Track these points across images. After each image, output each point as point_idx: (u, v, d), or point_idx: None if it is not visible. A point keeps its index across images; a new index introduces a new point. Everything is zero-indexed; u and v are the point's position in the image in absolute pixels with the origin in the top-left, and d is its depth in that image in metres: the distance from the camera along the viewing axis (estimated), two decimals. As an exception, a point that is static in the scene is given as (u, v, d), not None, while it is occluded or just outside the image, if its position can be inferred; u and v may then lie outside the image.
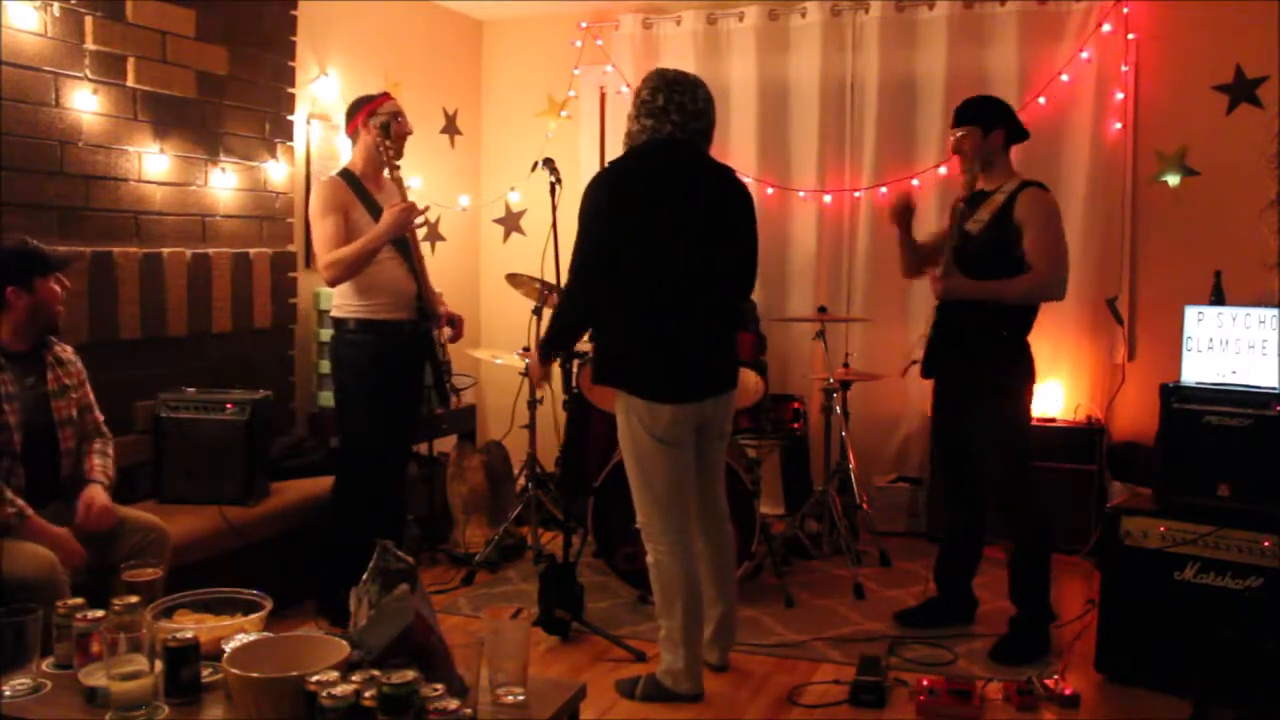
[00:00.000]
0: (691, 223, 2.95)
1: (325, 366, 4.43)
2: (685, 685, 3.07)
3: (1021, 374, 3.45)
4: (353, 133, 3.64)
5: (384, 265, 3.53)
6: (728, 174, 3.11)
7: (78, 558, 2.75)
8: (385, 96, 3.63)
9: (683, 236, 2.94)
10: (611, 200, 2.93)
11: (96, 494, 2.95)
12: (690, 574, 3.06)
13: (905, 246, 3.69)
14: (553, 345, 3.14)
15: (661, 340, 2.95)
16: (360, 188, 3.57)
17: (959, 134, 3.47)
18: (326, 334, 3.93)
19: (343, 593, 2.07)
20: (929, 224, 5.01)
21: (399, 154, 3.57)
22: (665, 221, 2.93)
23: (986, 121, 3.44)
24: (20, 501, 2.74)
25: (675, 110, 2.95)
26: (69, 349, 3.10)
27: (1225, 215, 4.57)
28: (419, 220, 3.58)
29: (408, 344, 3.63)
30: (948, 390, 3.60)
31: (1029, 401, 3.50)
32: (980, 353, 3.42)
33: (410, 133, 3.66)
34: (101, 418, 3.15)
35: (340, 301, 3.59)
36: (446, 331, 3.79)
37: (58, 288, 2.96)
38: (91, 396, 3.13)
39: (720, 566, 3.22)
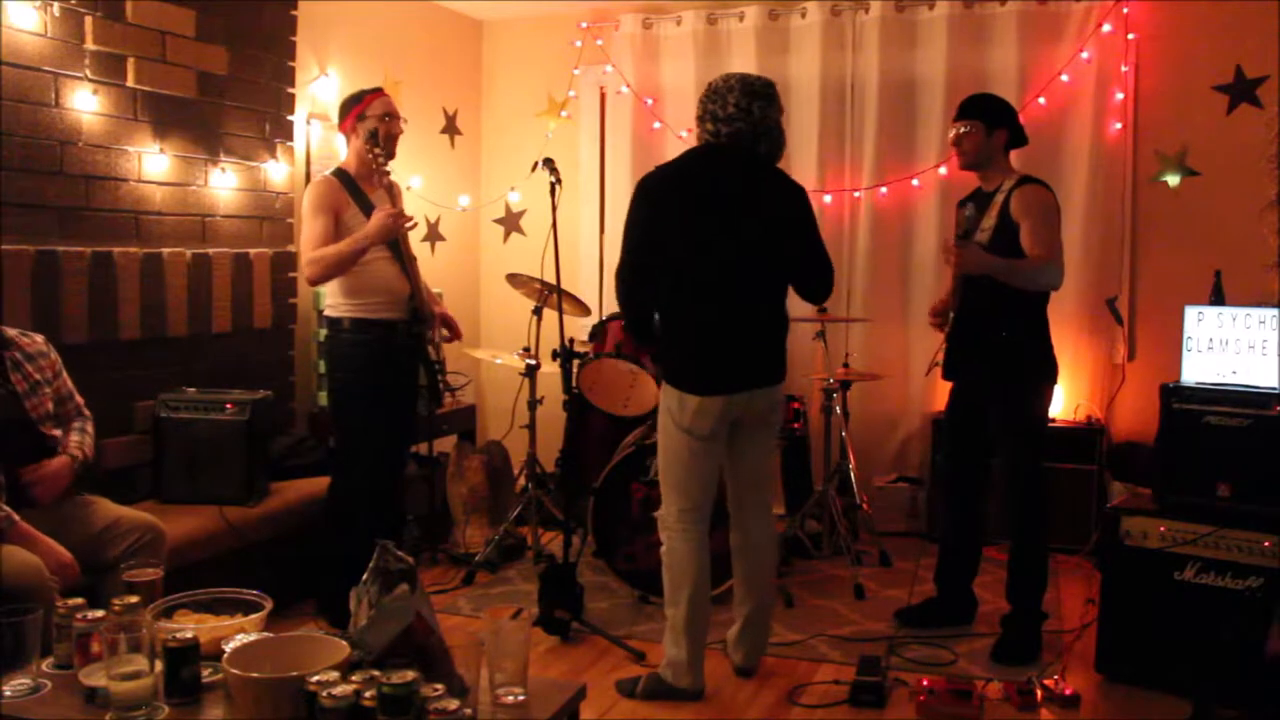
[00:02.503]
0: (722, 223, 3.01)
1: (325, 366, 4.44)
2: (685, 680, 3.07)
3: (1044, 372, 3.46)
4: (346, 131, 3.64)
5: (376, 265, 3.53)
6: (776, 176, 3.14)
7: (70, 570, 2.67)
8: (376, 94, 3.61)
9: (714, 236, 3.01)
10: (645, 204, 3.04)
11: (56, 464, 2.87)
12: (700, 567, 3.07)
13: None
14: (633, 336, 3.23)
15: (691, 333, 3.05)
16: (354, 187, 3.57)
17: (962, 128, 3.46)
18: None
19: (343, 593, 2.07)
20: (929, 223, 5.03)
21: (390, 156, 3.57)
22: (694, 222, 3.01)
23: (991, 118, 3.44)
24: (6, 508, 2.67)
25: (709, 119, 3.06)
26: (37, 339, 3.01)
27: (1225, 215, 4.57)
28: (409, 224, 3.56)
29: (402, 343, 3.63)
30: (971, 392, 3.59)
31: (1049, 400, 3.51)
32: (1001, 353, 3.41)
33: (400, 132, 3.65)
34: (81, 400, 3.09)
35: (333, 301, 3.59)
36: (443, 332, 3.80)
37: None
38: (70, 384, 3.07)
39: (750, 565, 3.22)
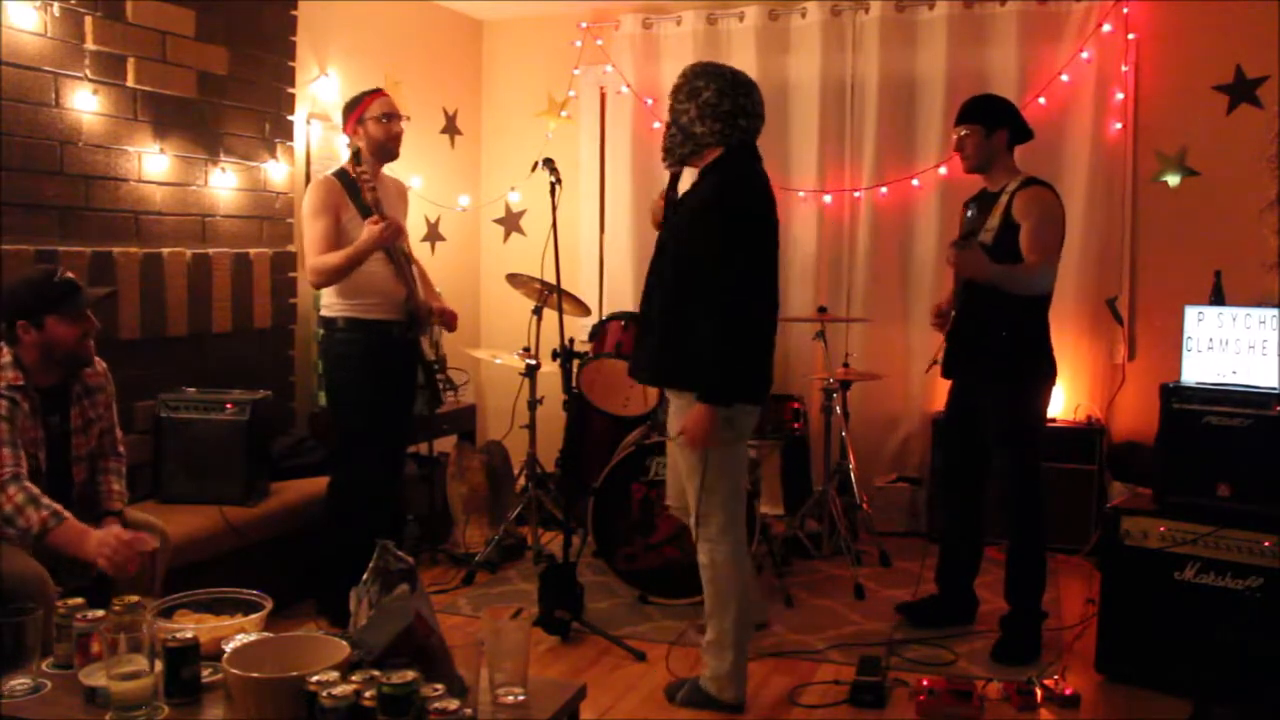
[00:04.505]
0: (773, 228, 3.01)
1: (322, 366, 4.44)
2: (730, 693, 3.00)
3: (1041, 372, 3.46)
4: (348, 133, 3.64)
5: (371, 267, 3.52)
6: None
7: (137, 553, 2.55)
8: (376, 94, 3.62)
9: (771, 242, 3.00)
10: (753, 218, 2.92)
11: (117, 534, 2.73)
12: (746, 575, 3.04)
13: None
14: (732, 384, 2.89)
15: (755, 346, 2.97)
16: (354, 189, 3.57)
17: (962, 132, 3.48)
18: (325, 334, 3.94)
19: (343, 593, 2.07)
20: (929, 223, 5.03)
21: (393, 156, 3.62)
22: (766, 229, 2.98)
23: (989, 121, 3.45)
24: (55, 505, 2.56)
25: (742, 115, 2.95)
26: (100, 368, 2.92)
27: (1225, 215, 4.57)
28: (386, 236, 3.48)
29: (397, 344, 3.63)
30: (968, 392, 3.59)
31: (1046, 400, 3.51)
32: (999, 355, 3.41)
33: (401, 131, 3.65)
34: (120, 434, 3.01)
35: (329, 301, 3.60)
36: (437, 330, 3.79)
37: (76, 328, 2.72)
38: (115, 417, 2.98)
39: None
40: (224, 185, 4.11)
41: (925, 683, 3.07)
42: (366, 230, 3.44)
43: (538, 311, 4.46)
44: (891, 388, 5.00)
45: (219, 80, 4.05)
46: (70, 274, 2.79)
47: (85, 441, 2.87)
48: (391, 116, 3.60)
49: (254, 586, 2.18)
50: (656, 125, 5.49)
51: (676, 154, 3.02)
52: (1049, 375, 3.48)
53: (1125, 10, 4.70)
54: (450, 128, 5.72)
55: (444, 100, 5.67)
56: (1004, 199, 3.38)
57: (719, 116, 2.93)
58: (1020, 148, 3.56)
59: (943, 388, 3.79)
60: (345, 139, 3.74)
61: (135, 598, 2.03)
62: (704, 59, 5.41)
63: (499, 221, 5.97)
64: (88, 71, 3.52)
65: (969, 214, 3.51)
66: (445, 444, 4.90)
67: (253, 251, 4.23)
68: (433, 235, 5.56)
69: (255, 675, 1.69)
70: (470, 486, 4.68)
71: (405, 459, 4.12)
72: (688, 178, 3.10)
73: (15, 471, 2.58)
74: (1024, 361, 3.42)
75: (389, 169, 3.73)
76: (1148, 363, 4.76)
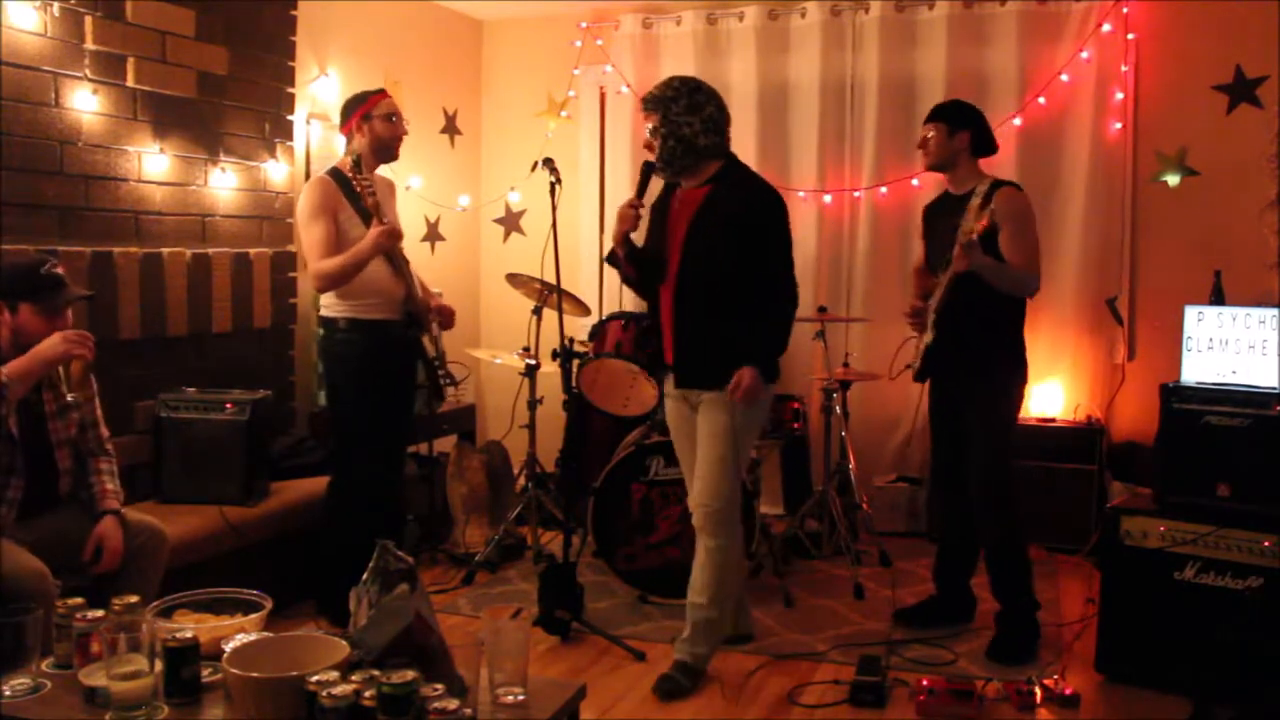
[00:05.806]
0: None
1: (321, 366, 4.43)
2: (705, 660, 3.31)
3: (1017, 375, 3.49)
4: (348, 132, 3.63)
5: (370, 267, 3.51)
6: None
7: (87, 343, 2.65)
8: (380, 95, 3.61)
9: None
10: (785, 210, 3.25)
11: (111, 533, 2.79)
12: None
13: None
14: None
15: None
16: (350, 188, 3.55)
17: (928, 132, 3.53)
18: (325, 334, 3.94)
19: (343, 593, 2.07)
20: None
21: (393, 157, 3.64)
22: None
23: (953, 121, 3.49)
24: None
25: (727, 127, 3.16)
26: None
27: (1225, 215, 4.57)
28: (389, 236, 3.51)
29: (396, 344, 3.63)
30: (948, 391, 3.60)
31: (1020, 401, 3.54)
32: (979, 354, 3.43)
33: (405, 133, 3.65)
34: (106, 434, 3.01)
35: (328, 301, 3.60)
36: (435, 327, 3.78)
37: (47, 323, 2.72)
38: (99, 412, 2.98)
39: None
40: (224, 185, 4.11)
41: (925, 682, 3.07)
42: (370, 234, 3.43)
43: (537, 311, 4.46)
44: (891, 388, 4.98)
45: (219, 80, 4.05)
46: (60, 269, 2.81)
47: (63, 427, 2.87)
48: (398, 117, 3.60)
49: (254, 586, 2.17)
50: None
51: (677, 165, 3.11)
52: (1024, 376, 3.52)
53: (1125, 10, 4.70)
54: (450, 128, 5.72)
55: (444, 100, 5.68)
56: (975, 200, 3.38)
57: (720, 130, 3.11)
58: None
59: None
60: (343, 140, 3.73)
61: (135, 598, 2.03)
62: (704, 59, 5.46)
63: (499, 221, 5.97)
64: (88, 71, 3.52)
65: (990, 210, 3.49)
66: (445, 444, 4.90)
67: (253, 251, 4.23)
68: (433, 235, 5.56)
69: (255, 675, 1.69)
70: (470, 486, 4.68)
71: (405, 459, 4.12)
72: (656, 185, 3.27)
73: None
74: (1002, 364, 3.46)
75: (384, 169, 3.73)
76: (1148, 363, 4.76)
